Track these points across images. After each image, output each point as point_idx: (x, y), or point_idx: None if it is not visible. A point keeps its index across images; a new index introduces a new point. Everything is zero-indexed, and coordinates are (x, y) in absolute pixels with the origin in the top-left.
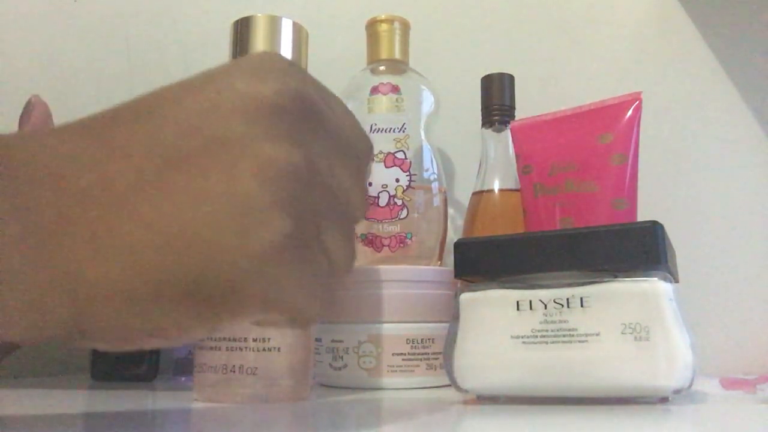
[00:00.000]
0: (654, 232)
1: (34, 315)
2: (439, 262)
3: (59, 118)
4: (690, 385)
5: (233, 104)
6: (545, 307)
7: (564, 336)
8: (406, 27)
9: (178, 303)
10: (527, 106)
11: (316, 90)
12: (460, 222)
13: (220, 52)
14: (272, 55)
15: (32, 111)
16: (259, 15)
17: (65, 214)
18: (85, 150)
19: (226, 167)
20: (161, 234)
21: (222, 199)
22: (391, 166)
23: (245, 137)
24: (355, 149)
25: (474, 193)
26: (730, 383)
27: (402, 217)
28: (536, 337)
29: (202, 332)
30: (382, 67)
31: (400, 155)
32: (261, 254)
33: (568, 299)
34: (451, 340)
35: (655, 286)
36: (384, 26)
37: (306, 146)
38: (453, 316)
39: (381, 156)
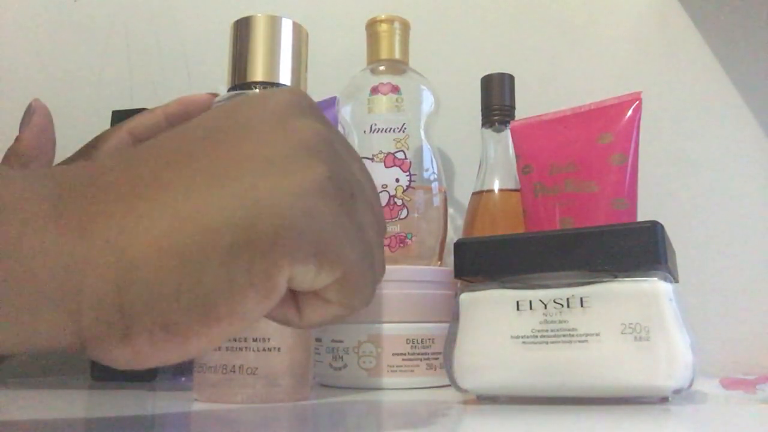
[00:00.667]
0: (654, 232)
1: (73, 295)
2: (439, 262)
3: (59, 118)
4: (690, 385)
5: (255, 107)
6: (545, 307)
7: (564, 336)
8: (406, 27)
9: (227, 257)
10: (527, 106)
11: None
12: (460, 222)
13: (220, 52)
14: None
15: (33, 114)
16: (259, 15)
17: (102, 190)
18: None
19: (261, 137)
20: (205, 189)
21: (262, 156)
22: (391, 166)
23: (272, 118)
24: (360, 157)
25: (474, 193)
26: (730, 383)
27: (402, 217)
28: (536, 337)
29: (254, 299)
30: (382, 67)
31: (400, 155)
32: (305, 192)
33: (568, 299)
34: (451, 340)
35: (655, 286)
36: (384, 26)
37: (328, 128)
38: (453, 316)
39: (381, 156)
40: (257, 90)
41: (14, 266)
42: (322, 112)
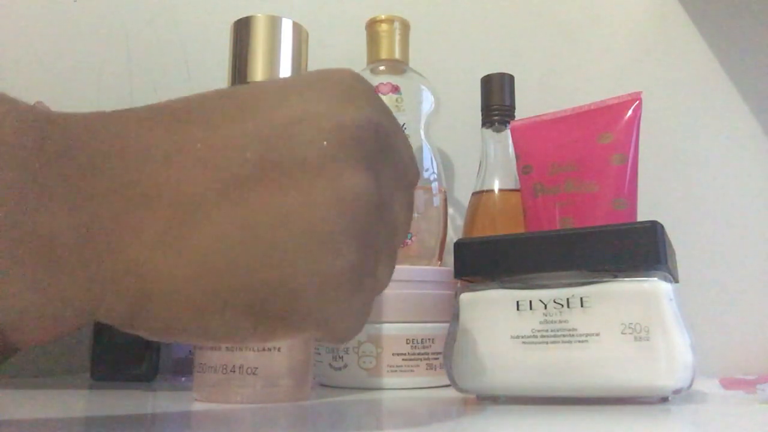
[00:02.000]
0: (654, 232)
1: (90, 305)
2: (439, 262)
3: None
4: (690, 385)
5: (318, 125)
6: (545, 307)
7: (564, 336)
8: (406, 27)
9: (239, 314)
10: (527, 106)
11: (388, 120)
12: (460, 222)
13: (220, 52)
14: (355, 79)
15: None
16: (259, 15)
17: (133, 209)
18: (157, 144)
19: (305, 189)
20: (234, 246)
21: (298, 221)
22: None
23: (326, 160)
24: (409, 179)
25: (474, 193)
26: (730, 383)
27: None
28: (536, 337)
29: (252, 342)
30: (382, 67)
31: None
32: (328, 280)
33: (568, 299)
34: (451, 340)
35: (655, 286)
36: (384, 26)
37: (378, 178)
38: (453, 316)
39: None
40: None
41: (42, 277)
42: (385, 137)
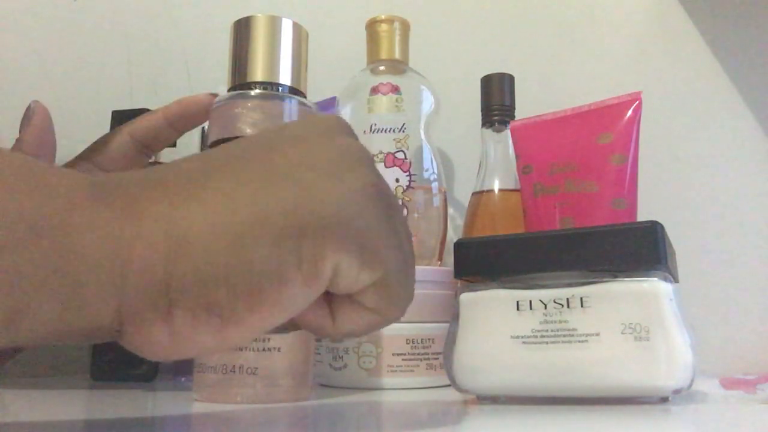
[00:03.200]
0: (654, 232)
1: (120, 268)
2: (439, 262)
3: (59, 118)
4: (690, 385)
5: (306, 124)
6: (545, 307)
7: (564, 336)
8: (406, 27)
9: (278, 239)
10: (527, 106)
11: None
12: (460, 222)
13: (220, 52)
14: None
15: (33, 116)
16: (259, 15)
17: (153, 172)
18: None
19: (312, 147)
20: (263, 180)
21: (313, 160)
22: (391, 166)
23: (322, 134)
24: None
25: (474, 193)
26: (730, 383)
27: None
28: (536, 337)
29: (300, 283)
30: (382, 67)
31: (399, 155)
32: (358, 190)
33: (568, 299)
34: (451, 340)
35: (655, 286)
36: (384, 26)
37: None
38: (453, 316)
39: (381, 156)
40: (258, 90)
41: (62, 240)
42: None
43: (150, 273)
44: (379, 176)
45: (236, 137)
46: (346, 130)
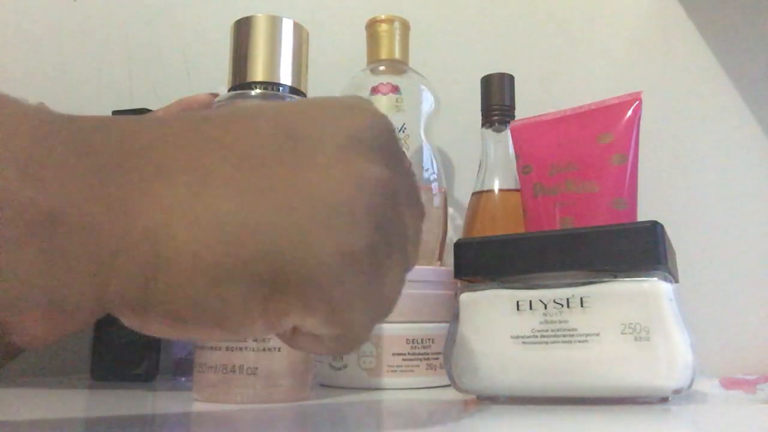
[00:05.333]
0: (654, 232)
1: (103, 270)
2: (439, 262)
3: None
4: (690, 385)
5: (337, 123)
6: (545, 307)
7: (564, 336)
8: (406, 27)
9: (254, 287)
10: (527, 106)
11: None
12: (460, 222)
13: (220, 52)
14: (363, 100)
15: None
16: (259, 15)
17: (149, 178)
18: (178, 136)
19: (324, 166)
20: (253, 212)
21: (317, 193)
22: None
23: (344, 147)
24: (418, 196)
25: (474, 193)
26: (730, 383)
27: None
28: (536, 337)
29: (260, 327)
30: (382, 67)
31: None
32: (345, 255)
33: (568, 299)
34: (451, 340)
35: (655, 286)
36: (384, 26)
37: (393, 174)
38: (453, 316)
39: None
40: (258, 90)
41: (49, 243)
42: (400, 150)
43: (129, 282)
44: (383, 224)
45: None
46: (378, 147)
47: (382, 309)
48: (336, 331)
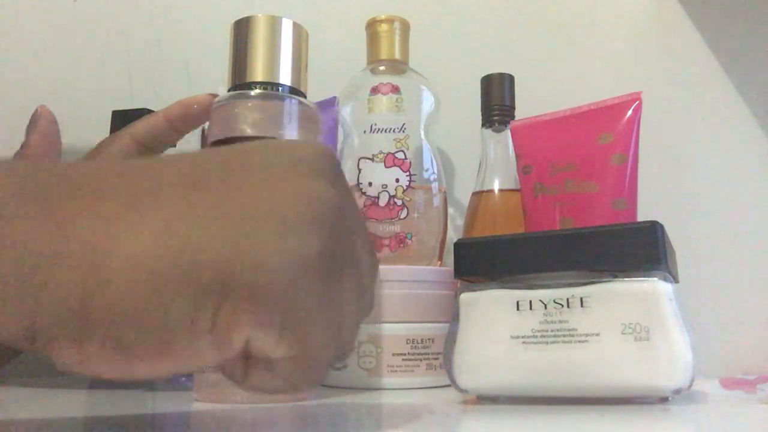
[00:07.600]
0: (654, 232)
1: (35, 290)
2: (439, 262)
3: (59, 118)
4: (690, 385)
5: (279, 150)
6: (545, 307)
7: (564, 336)
8: (406, 27)
9: (199, 297)
10: (527, 106)
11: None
12: (460, 222)
13: (220, 52)
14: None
15: (39, 120)
16: (259, 15)
17: (89, 193)
18: (123, 165)
19: (271, 185)
20: (200, 222)
21: (266, 207)
22: (391, 166)
23: (290, 169)
24: (364, 226)
25: (474, 193)
26: (730, 383)
27: (402, 217)
28: (536, 337)
29: (209, 346)
30: (382, 67)
31: (400, 155)
32: (295, 263)
33: (568, 299)
34: (451, 340)
35: (655, 286)
36: (384, 26)
37: (339, 192)
38: (453, 316)
39: (381, 156)
40: (258, 90)
41: None
42: (343, 176)
43: (65, 301)
44: (335, 237)
45: (236, 137)
46: (322, 168)
47: (341, 329)
48: (291, 350)
